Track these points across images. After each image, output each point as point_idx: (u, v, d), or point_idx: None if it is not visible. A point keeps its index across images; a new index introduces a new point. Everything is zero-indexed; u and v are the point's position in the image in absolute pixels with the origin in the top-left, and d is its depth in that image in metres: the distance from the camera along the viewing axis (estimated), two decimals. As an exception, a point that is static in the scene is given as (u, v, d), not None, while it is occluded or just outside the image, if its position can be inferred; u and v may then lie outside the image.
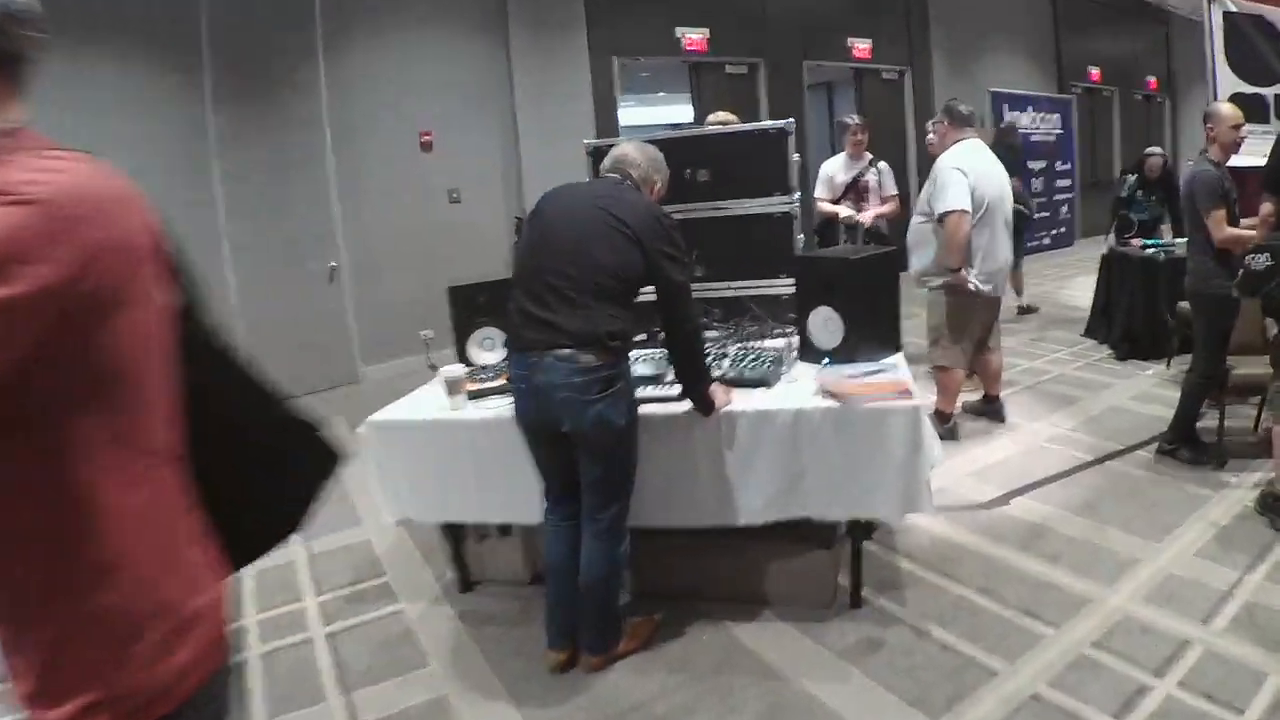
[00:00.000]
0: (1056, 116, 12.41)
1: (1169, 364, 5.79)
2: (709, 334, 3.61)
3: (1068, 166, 12.62)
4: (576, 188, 2.73)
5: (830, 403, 2.71)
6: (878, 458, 2.70)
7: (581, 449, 2.59)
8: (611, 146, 2.88)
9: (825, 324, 3.11)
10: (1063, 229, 12.65)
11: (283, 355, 6.46)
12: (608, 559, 2.67)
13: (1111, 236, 6.82)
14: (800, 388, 2.90)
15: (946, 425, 4.59)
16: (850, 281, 3.03)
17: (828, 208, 5.94)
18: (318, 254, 6.75)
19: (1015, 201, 7.11)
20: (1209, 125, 3.95)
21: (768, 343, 3.40)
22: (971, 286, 4.30)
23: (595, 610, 2.72)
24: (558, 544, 2.75)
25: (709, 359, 2.97)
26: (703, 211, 3.65)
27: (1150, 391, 5.37)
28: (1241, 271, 3.41)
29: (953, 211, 4.20)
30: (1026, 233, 7.64)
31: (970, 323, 4.46)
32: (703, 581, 3.14)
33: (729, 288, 3.70)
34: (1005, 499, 3.91)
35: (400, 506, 3.13)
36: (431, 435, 3.03)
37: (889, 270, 3.22)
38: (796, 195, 3.56)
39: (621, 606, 2.78)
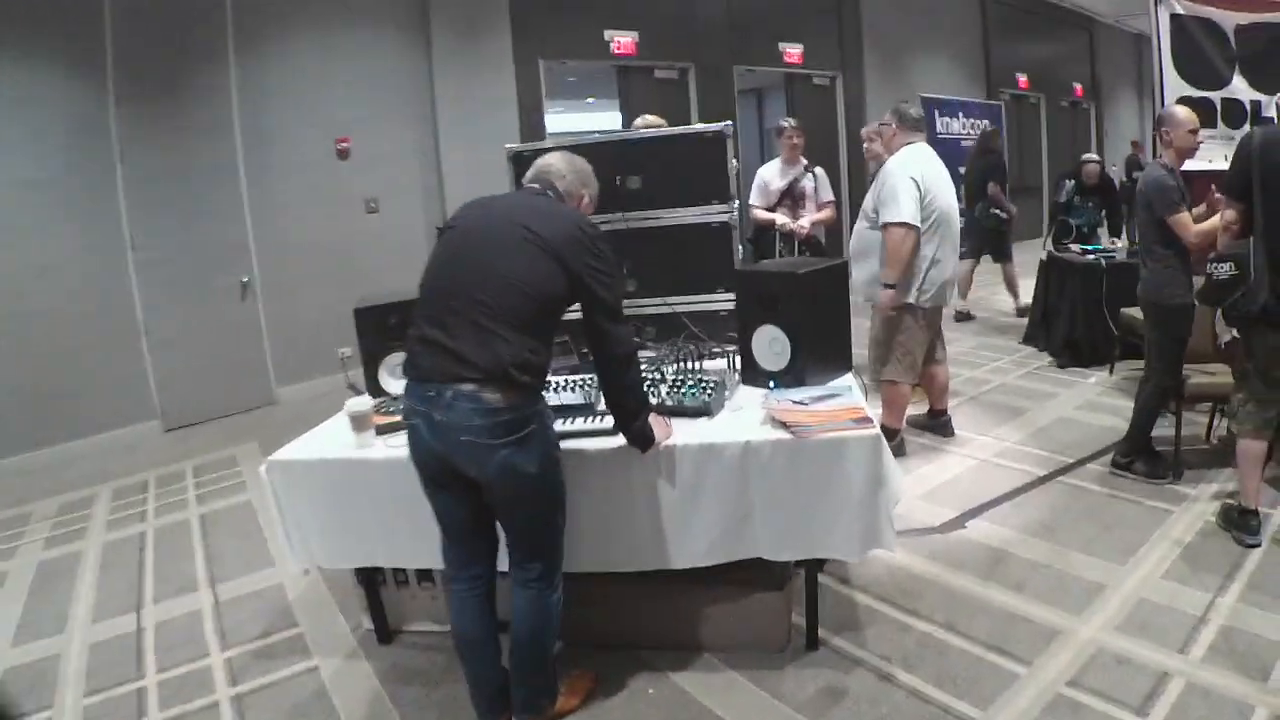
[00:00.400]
0: (985, 123, 12.45)
1: (1111, 371, 5.70)
2: (644, 354, 3.32)
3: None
4: (493, 201, 2.41)
5: (780, 434, 2.44)
6: (835, 493, 2.44)
7: (491, 498, 2.27)
8: (535, 153, 2.59)
9: (770, 345, 2.85)
10: (993, 234, 12.69)
11: (193, 376, 6.10)
12: (540, 610, 2.35)
13: (1049, 242, 6.73)
14: (745, 416, 2.63)
15: (893, 442, 4.36)
16: (797, 298, 2.77)
17: (763, 215, 5.71)
18: (229, 267, 6.27)
19: (994, 207, 7.01)
20: (1164, 129, 3.79)
21: (707, 364, 3.12)
22: (906, 300, 4.10)
23: (527, 666, 2.39)
24: (466, 615, 2.41)
25: (645, 386, 2.68)
26: (634, 221, 3.36)
27: (1096, 400, 5.25)
28: (1205, 280, 3.25)
29: (900, 224, 3.98)
30: (976, 238, 7.56)
31: (918, 335, 4.25)
32: (643, 628, 2.85)
33: (663, 304, 3.41)
34: (960, 522, 3.70)
35: (308, 553, 2.79)
36: (338, 475, 2.68)
37: (838, 285, 2.98)
38: (735, 204, 3.29)
39: (555, 658, 2.46)
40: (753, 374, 2.92)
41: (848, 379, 2.93)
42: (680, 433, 2.51)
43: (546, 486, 2.27)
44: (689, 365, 3.04)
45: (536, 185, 2.42)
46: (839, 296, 2.97)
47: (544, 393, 2.30)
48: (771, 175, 5.75)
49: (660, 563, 2.56)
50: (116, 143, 5.70)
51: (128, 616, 3.40)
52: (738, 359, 3.00)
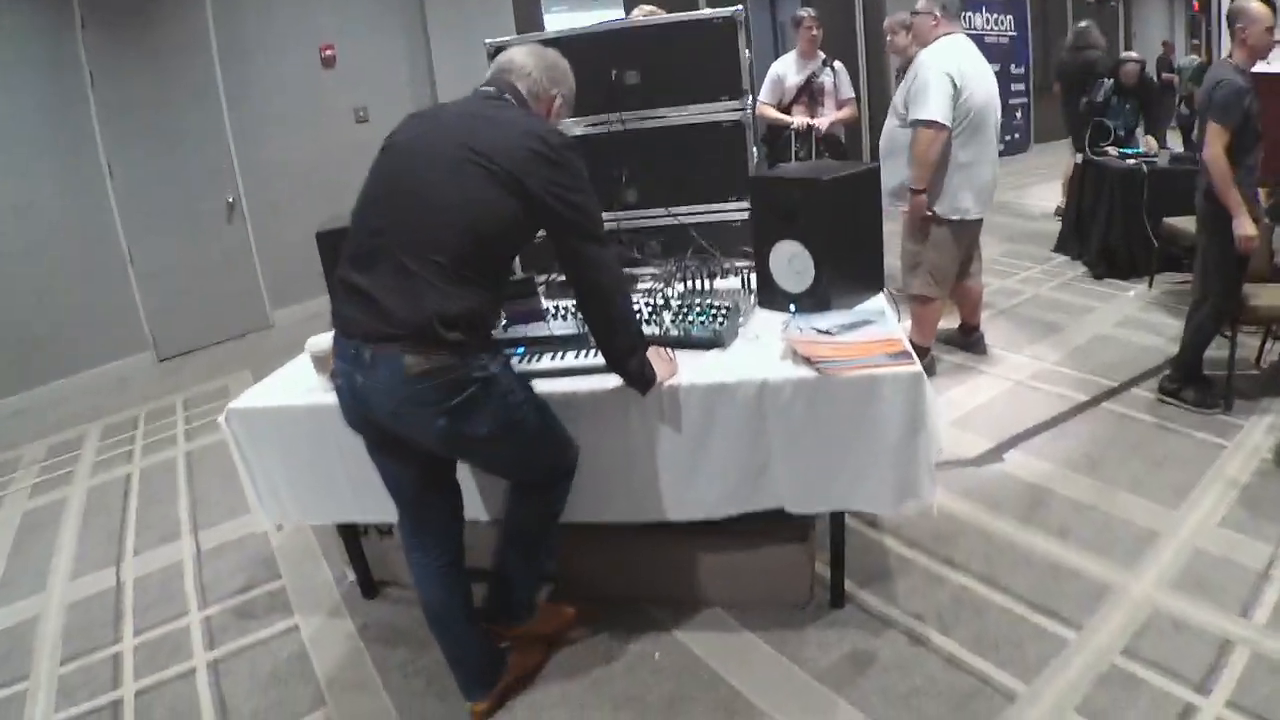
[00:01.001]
0: (1010, 18, 11.60)
1: (1151, 284, 5.22)
2: (646, 272, 2.90)
3: (1021, 70, 11.88)
4: (440, 111, 1.94)
5: (803, 370, 2.02)
6: (867, 439, 2.04)
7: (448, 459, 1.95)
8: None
9: (790, 262, 2.40)
10: (1017, 134, 11.96)
11: (184, 304, 5.70)
12: (533, 506, 2.13)
13: (1085, 144, 6.14)
14: (762, 348, 2.21)
15: (923, 361, 3.93)
16: (820, 208, 2.30)
17: (774, 115, 5.16)
18: (213, 190, 5.82)
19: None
20: (1239, 25, 3.23)
21: (719, 283, 2.69)
22: (957, 216, 3.64)
23: (510, 563, 2.20)
24: (429, 589, 2.08)
25: (643, 315, 2.26)
26: (633, 122, 2.88)
27: (1135, 316, 4.78)
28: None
29: (929, 123, 3.48)
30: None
31: (950, 250, 3.78)
32: (649, 580, 2.50)
33: (668, 215, 2.96)
34: (997, 454, 3.30)
35: (279, 507, 2.44)
36: (302, 423, 2.30)
37: (868, 192, 2.51)
38: (749, 100, 2.80)
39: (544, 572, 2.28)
40: (771, 295, 2.49)
41: (880, 301, 2.49)
42: (687, 368, 2.10)
43: (513, 435, 1.90)
44: (697, 286, 2.60)
45: (491, 89, 1.94)
46: (869, 206, 2.51)
47: (493, 343, 1.90)
48: (786, 69, 5.18)
49: (664, 514, 2.19)
50: (87, 69, 5.24)
51: (108, 571, 3.14)
52: (753, 277, 2.56)
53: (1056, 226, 6.43)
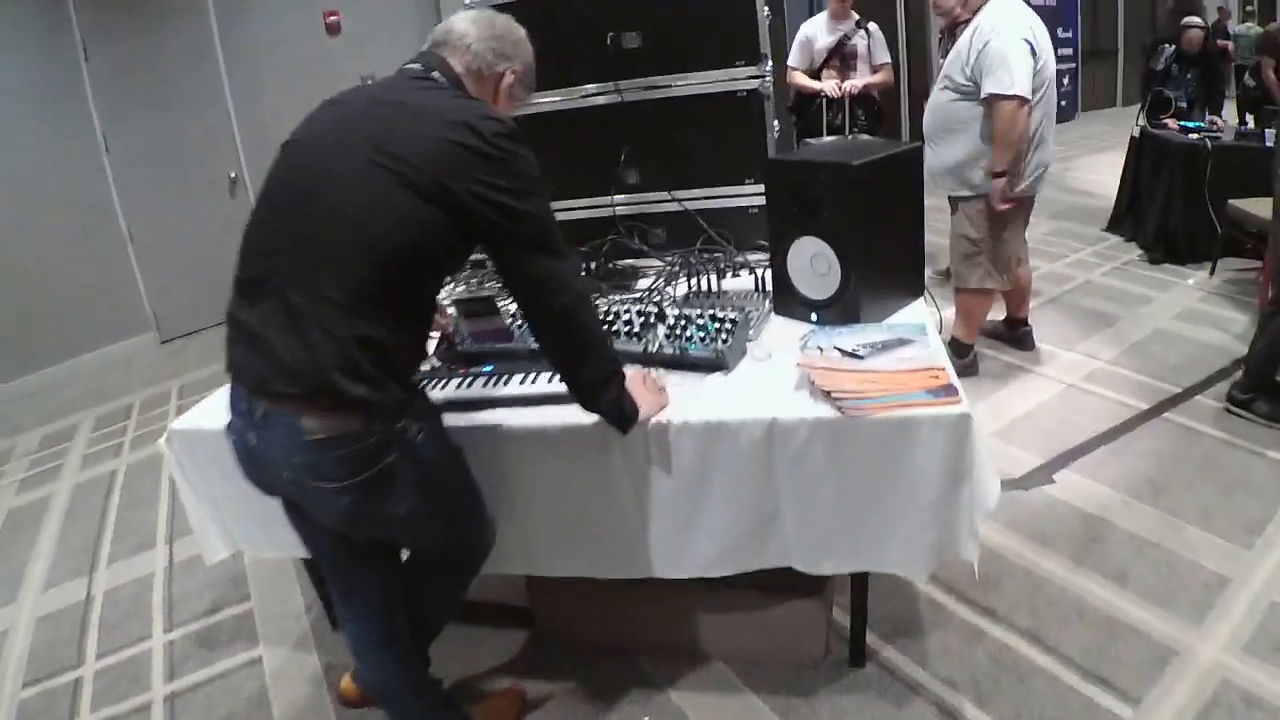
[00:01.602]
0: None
1: (1213, 271, 4.66)
2: (648, 264, 2.48)
3: (1069, 34, 11.11)
4: (350, 99, 1.50)
5: (822, 408, 1.59)
6: (897, 494, 1.62)
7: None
8: (507, 8, 1.73)
9: (812, 263, 1.96)
10: (1063, 102, 11.21)
11: (187, 283, 5.33)
12: (440, 597, 1.81)
13: (1142, 116, 5.54)
14: (774, 372, 1.78)
15: (965, 360, 3.49)
16: (850, 198, 1.84)
17: (805, 81, 4.65)
18: (214, 162, 5.46)
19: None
20: None
21: (729, 283, 2.26)
22: (1018, 189, 3.16)
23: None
24: (370, 662, 1.73)
25: (632, 328, 1.85)
26: (633, 92, 2.44)
27: (1197, 308, 4.24)
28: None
29: (1012, 97, 2.98)
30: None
31: (1020, 224, 3.32)
32: (640, 631, 2.12)
33: (673, 200, 2.52)
34: (1047, 474, 2.84)
35: (226, 536, 2.09)
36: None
37: (909, 177, 2.03)
38: (768, 66, 2.34)
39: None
40: (788, 301, 2.05)
41: (919, 310, 2.05)
42: (682, 397, 1.69)
43: (437, 513, 1.53)
44: (704, 286, 2.17)
45: (417, 66, 1.51)
46: (910, 194, 2.04)
47: (416, 395, 1.50)
48: (816, 31, 4.65)
49: (652, 570, 1.80)
50: (79, 35, 4.89)
51: (79, 582, 2.91)
52: (768, 276, 2.12)
53: (1107, 204, 5.86)
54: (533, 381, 1.77)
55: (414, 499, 1.44)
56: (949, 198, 3.35)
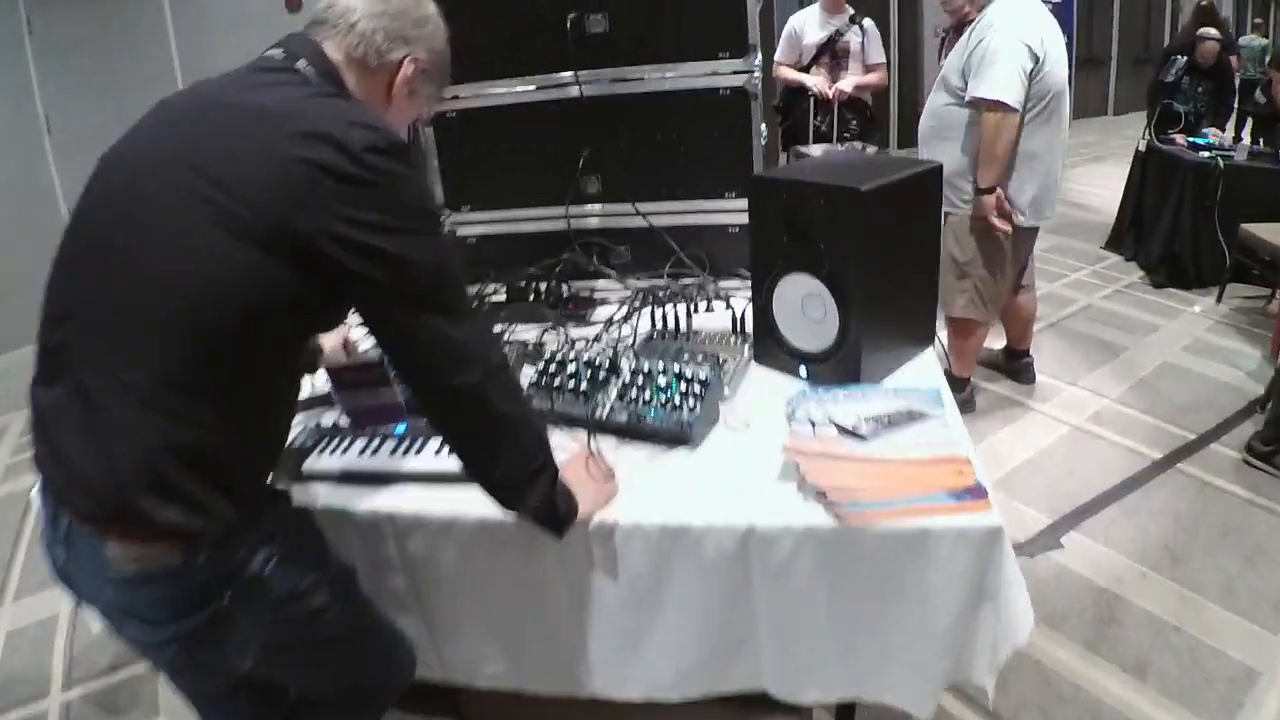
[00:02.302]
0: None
1: (1220, 299, 4.34)
2: (609, 289, 2.09)
3: (1065, 41, 10.74)
4: (183, 99, 1.11)
5: (814, 513, 1.21)
6: (906, 619, 1.24)
7: None
8: None
9: (804, 306, 1.57)
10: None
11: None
12: None
13: (1149, 130, 5.20)
14: (753, 447, 1.39)
15: (961, 395, 3.13)
16: (857, 230, 1.44)
17: (792, 75, 4.26)
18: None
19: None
20: None
21: (703, 320, 1.88)
22: (1016, 219, 2.79)
23: None
24: None
25: (578, 385, 1.47)
26: (599, 85, 2.03)
27: (1205, 339, 3.91)
28: None
29: (996, 104, 2.61)
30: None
31: (1013, 259, 2.94)
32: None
33: (638, 214, 2.12)
34: (1054, 536, 2.50)
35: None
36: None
37: (927, 204, 1.64)
38: (758, 60, 1.94)
39: None
40: (772, 350, 1.66)
41: (930, 362, 1.67)
42: (633, 483, 1.30)
43: (301, 659, 1.16)
44: (670, 323, 1.79)
45: (277, 53, 1.11)
46: (927, 227, 1.65)
47: (262, 510, 1.09)
48: (806, 24, 4.26)
49: (594, 689, 1.41)
50: (22, 9, 4.45)
51: None
52: (749, 314, 1.73)
53: (1105, 218, 5.53)
54: (440, 455, 1.38)
55: (264, 647, 1.06)
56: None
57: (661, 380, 1.44)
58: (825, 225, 1.47)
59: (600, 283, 2.16)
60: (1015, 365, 3.44)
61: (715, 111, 2.00)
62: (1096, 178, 6.83)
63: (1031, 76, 2.62)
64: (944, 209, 2.89)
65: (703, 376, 1.43)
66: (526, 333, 1.93)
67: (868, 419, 1.36)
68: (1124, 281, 4.73)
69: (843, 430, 1.34)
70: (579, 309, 2.03)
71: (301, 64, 1.07)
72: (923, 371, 1.62)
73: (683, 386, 1.42)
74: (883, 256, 1.50)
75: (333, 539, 1.41)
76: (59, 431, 0.99)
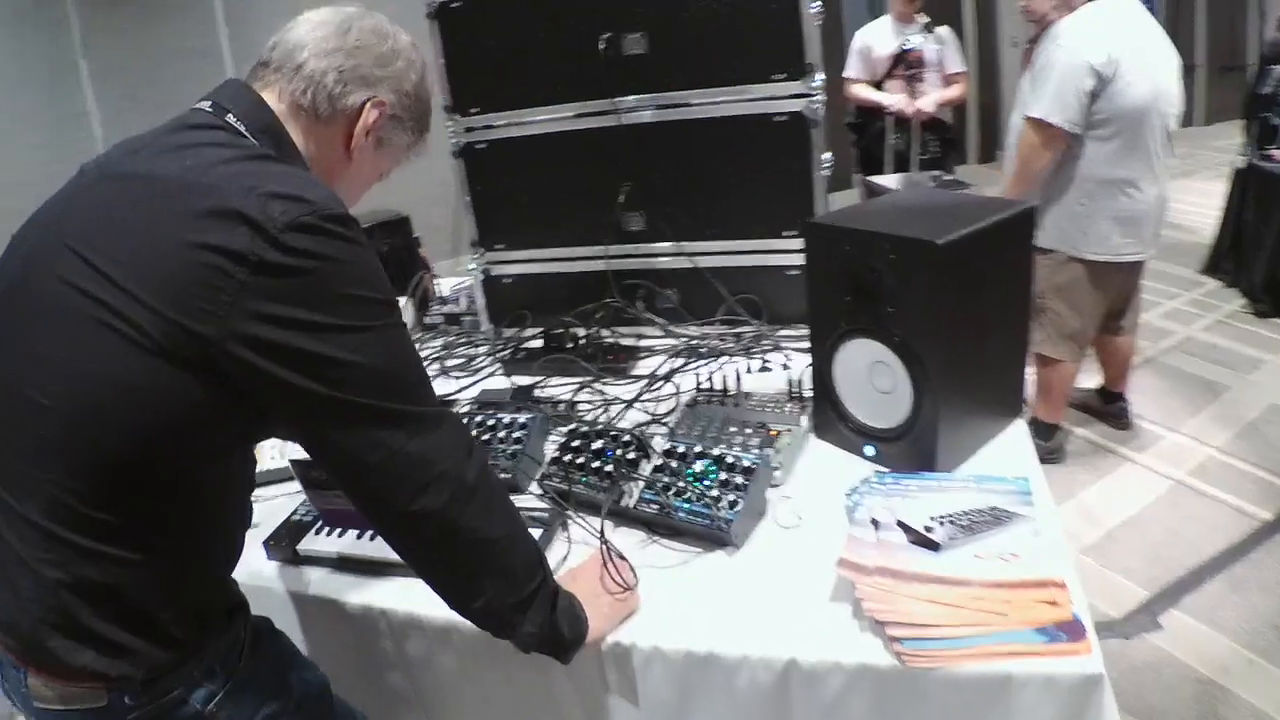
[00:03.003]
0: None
1: (1329, 331, 3.92)
2: (653, 341, 1.90)
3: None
4: (96, 168, 0.93)
5: (870, 647, 0.98)
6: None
7: None
8: None
9: (871, 375, 1.34)
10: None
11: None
12: None
13: (1247, 147, 4.76)
14: (804, 551, 1.17)
15: (1048, 443, 2.84)
16: (934, 289, 1.20)
17: (866, 93, 3.99)
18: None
19: None
20: None
21: (755, 380, 1.66)
22: (1085, 255, 2.53)
23: None
24: None
25: (588, 466, 1.28)
26: (636, 112, 1.83)
27: (1319, 377, 3.51)
28: None
29: (1039, 122, 2.42)
30: None
31: (1086, 299, 2.64)
32: None
33: (681, 254, 1.92)
34: (1152, 615, 2.20)
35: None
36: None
37: (1016, 254, 1.39)
38: (818, 80, 1.71)
39: None
40: (833, 424, 1.43)
41: (1016, 433, 1.42)
42: (658, 595, 1.09)
43: None
44: (716, 384, 1.57)
45: (206, 105, 0.93)
46: (1016, 281, 1.40)
47: (205, 646, 0.92)
48: (875, 38, 3.98)
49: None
50: (77, 33, 4.47)
51: None
52: (807, 378, 1.50)
53: (1200, 239, 5.08)
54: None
55: None
56: None
57: (698, 466, 1.23)
58: (895, 284, 1.24)
59: (645, 332, 1.97)
60: (1110, 408, 3.11)
61: (770, 140, 1.78)
62: (1189, 194, 6.32)
63: (1095, 96, 2.35)
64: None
65: (746, 463, 1.21)
66: (561, 389, 1.75)
67: (943, 520, 1.13)
68: (1224, 310, 4.31)
69: (910, 532, 1.11)
70: (619, 361, 1.83)
71: (231, 118, 0.89)
72: (1010, 449, 1.37)
73: (722, 475, 1.21)
74: (964, 319, 1.25)
75: (325, 627, 1.27)
76: None
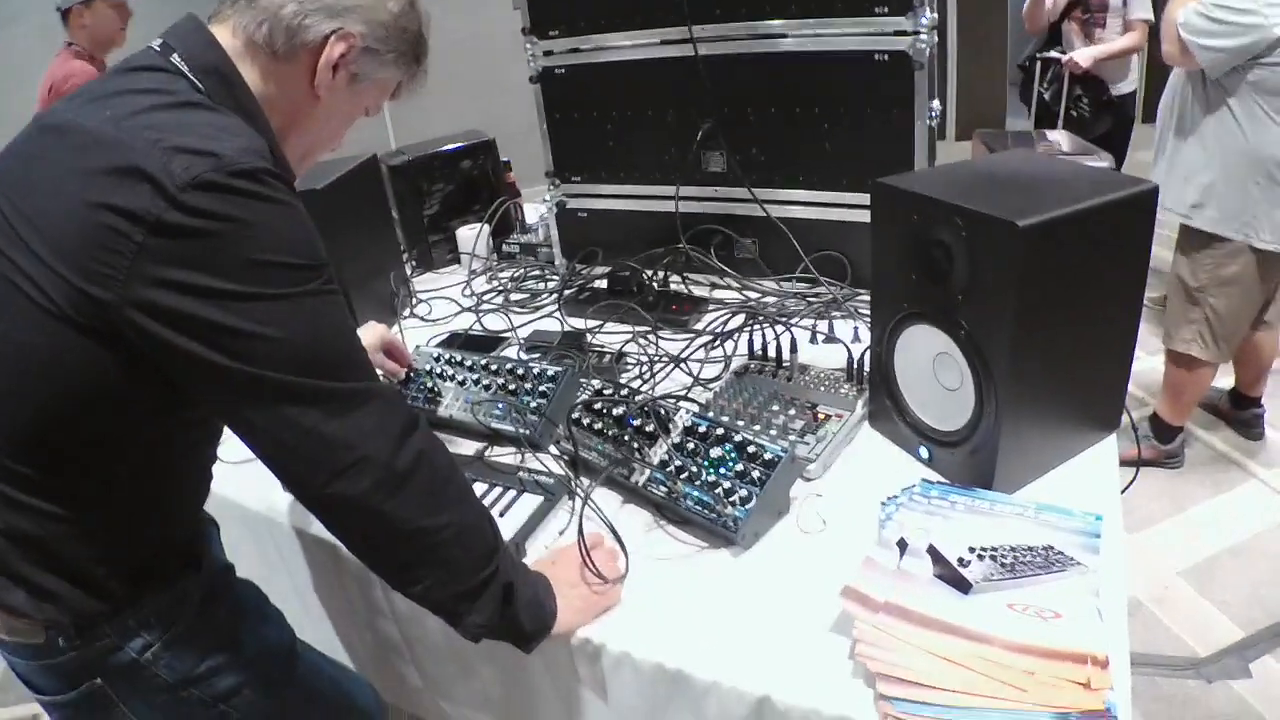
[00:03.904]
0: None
1: None
2: (722, 294, 1.76)
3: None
4: (38, 120, 0.83)
5: (856, 693, 0.84)
6: None
7: None
8: None
9: (935, 367, 1.16)
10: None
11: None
12: None
13: None
14: (822, 560, 1.03)
15: (1168, 446, 2.53)
16: (1011, 279, 0.99)
17: (1036, 10, 3.50)
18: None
19: None
20: None
21: (819, 353, 1.49)
22: (1256, 243, 2.16)
23: None
24: None
25: (607, 432, 1.16)
26: (723, 44, 1.64)
27: None
28: None
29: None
30: None
31: (1248, 290, 2.28)
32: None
33: (755, 200, 1.74)
34: (1243, 658, 1.93)
35: None
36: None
37: (1124, 242, 1.14)
38: (927, 18, 1.47)
39: None
40: (889, 414, 1.25)
41: (1106, 452, 1.20)
42: (641, 593, 0.99)
43: None
44: (767, 361, 1.42)
45: (156, 45, 0.83)
46: (1121, 274, 1.15)
47: (139, 595, 0.89)
48: None
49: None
50: None
51: None
52: (865, 361, 1.32)
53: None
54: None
55: None
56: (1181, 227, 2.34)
57: (716, 451, 1.09)
58: (966, 266, 1.04)
59: (714, 281, 1.82)
60: (1242, 414, 2.73)
61: (869, 81, 1.56)
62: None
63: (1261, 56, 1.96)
64: (1179, 218, 2.27)
65: (769, 455, 1.06)
66: (615, 336, 1.63)
67: (983, 553, 0.96)
68: None
69: (941, 565, 0.94)
70: (681, 312, 1.70)
71: (176, 58, 0.80)
72: (1092, 473, 1.17)
73: (740, 466, 1.07)
74: (1047, 317, 1.05)
75: (328, 568, 1.24)
76: None
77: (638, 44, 1.73)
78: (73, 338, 0.72)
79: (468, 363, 1.41)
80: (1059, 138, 3.10)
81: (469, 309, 1.86)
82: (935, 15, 1.45)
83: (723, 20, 1.61)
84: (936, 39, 1.50)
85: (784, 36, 1.59)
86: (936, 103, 1.56)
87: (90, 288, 0.70)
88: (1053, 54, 3.41)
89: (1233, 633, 2.00)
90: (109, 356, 0.73)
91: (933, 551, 0.96)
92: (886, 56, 1.51)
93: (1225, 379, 2.74)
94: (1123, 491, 1.13)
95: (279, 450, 0.76)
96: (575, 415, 1.24)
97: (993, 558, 0.95)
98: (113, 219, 0.68)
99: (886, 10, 1.46)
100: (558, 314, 1.77)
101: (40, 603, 0.82)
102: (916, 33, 1.46)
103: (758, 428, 1.22)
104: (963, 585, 0.92)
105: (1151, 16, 3.35)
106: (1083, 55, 3.33)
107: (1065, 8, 3.46)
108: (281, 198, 0.74)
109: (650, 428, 1.16)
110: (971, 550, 0.96)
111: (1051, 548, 0.97)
